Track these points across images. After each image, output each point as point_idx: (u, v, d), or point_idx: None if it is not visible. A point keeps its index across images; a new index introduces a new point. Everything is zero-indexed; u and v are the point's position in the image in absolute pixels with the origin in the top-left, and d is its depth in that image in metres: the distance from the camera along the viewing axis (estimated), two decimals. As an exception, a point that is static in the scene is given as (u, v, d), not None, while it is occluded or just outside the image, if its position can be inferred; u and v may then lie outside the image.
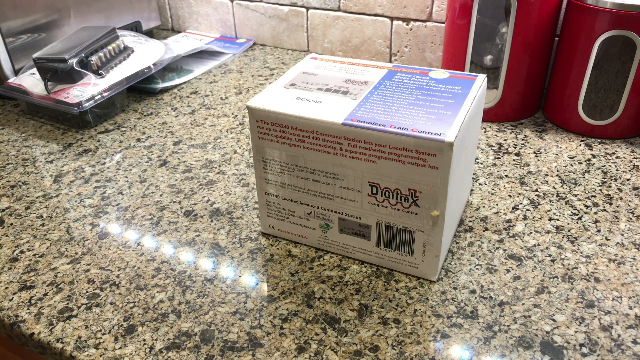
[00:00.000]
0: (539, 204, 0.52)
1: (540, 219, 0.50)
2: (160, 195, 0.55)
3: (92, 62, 0.71)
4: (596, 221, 0.49)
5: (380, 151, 0.39)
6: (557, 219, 0.50)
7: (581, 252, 0.46)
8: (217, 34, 0.99)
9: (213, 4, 0.96)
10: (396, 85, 0.44)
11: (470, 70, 0.65)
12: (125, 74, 0.72)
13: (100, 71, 0.71)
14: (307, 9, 0.88)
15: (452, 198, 0.41)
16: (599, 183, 0.55)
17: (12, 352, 0.51)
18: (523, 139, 0.63)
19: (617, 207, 0.51)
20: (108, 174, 0.59)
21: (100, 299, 0.42)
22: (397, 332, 0.39)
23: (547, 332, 0.38)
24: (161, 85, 0.79)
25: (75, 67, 0.68)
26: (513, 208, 0.51)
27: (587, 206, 0.52)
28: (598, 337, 0.38)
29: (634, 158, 0.59)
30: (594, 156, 0.60)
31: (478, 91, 0.42)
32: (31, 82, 0.71)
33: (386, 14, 0.82)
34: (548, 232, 0.48)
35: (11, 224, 0.52)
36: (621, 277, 0.43)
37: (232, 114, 0.72)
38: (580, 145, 0.62)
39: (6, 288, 0.44)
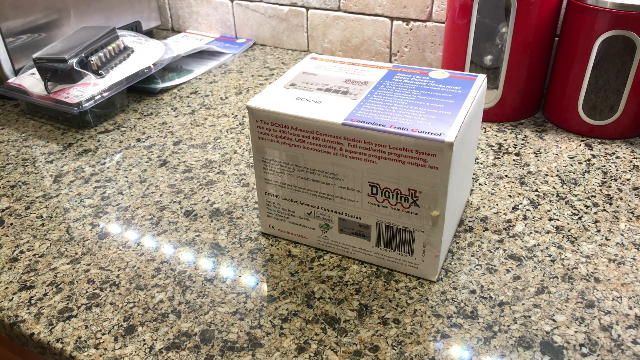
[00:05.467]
0: (539, 204, 0.52)
1: (540, 219, 0.50)
2: (160, 195, 0.55)
3: (92, 62, 0.71)
4: (596, 221, 0.49)
5: (380, 151, 0.39)
6: (557, 219, 0.50)
7: (581, 252, 0.46)
8: (217, 34, 0.99)
9: (213, 4, 0.96)
10: (396, 86, 0.44)
11: (470, 70, 0.65)
12: (125, 74, 0.72)
13: (100, 71, 0.71)
14: (307, 9, 0.88)
15: (452, 198, 0.41)
16: (599, 183, 0.55)
17: (12, 352, 0.51)
18: (523, 139, 0.63)
19: (617, 207, 0.51)
20: (108, 174, 0.59)
21: (100, 299, 0.42)
22: (397, 332, 0.39)
23: (547, 332, 0.38)
24: (161, 85, 0.79)
25: (75, 67, 0.68)
26: (513, 208, 0.51)
27: (587, 206, 0.51)
28: (598, 337, 0.38)
29: (634, 158, 0.59)
30: (594, 156, 0.60)
31: (478, 91, 0.42)
32: (31, 82, 0.71)
33: (386, 14, 0.82)
34: (548, 232, 0.48)
35: (11, 224, 0.52)
36: (621, 277, 0.43)
37: (232, 114, 0.72)
38: (580, 145, 0.62)
39: (6, 288, 0.44)
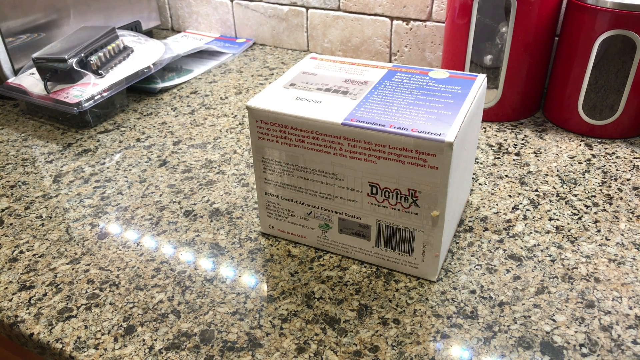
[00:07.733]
0: (539, 204, 0.52)
1: (540, 219, 0.50)
2: (160, 195, 0.55)
3: (91, 62, 0.70)
4: (596, 221, 0.49)
5: (380, 151, 0.39)
6: (557, 219, 0.50)
7: (581, 252, 0.46)
8: (216, 34, 0.99)
9: (213, 3, 0.96)
10: (396, 85, 0.44)
11: (470, 70, 0.65)
12: (125, 73, 0.72)
13: (99, 71, 0.71)
14: (307, 8, 0.88)
15: (452, 198, 0.41)
16: (599, 183, 0.55)
17: (12, 352, 0.51)
18: (523, 139, 0.63)
19: (617, 207, 0.51)
20: (108, 174, 0.59)
21: (100, 299, 0.42)
22: (397, 332, 0.39)
23: (547, 332, 0.38)
24: (161, 85, 0.79)
25: (75, 67, 0.68)
26: (513, 208, 0.51)
27: (587, 206, 0.51)
28: (598, 337, 0.38)
29: (634, 158, 0.59)
30: (594, 156, 0.60)
31: (478, 91, 0.42)
32: (31, 82, 0.71)
33: (386, 14, 0.82)
34: (548, 232, 0.48)
35: (11, 224, 0.52)
36: (621, 277, 0.43)
37: (232, 114, 0.72)
38: (580, 145, 0.62)
39: (6, 288, 0.44)
